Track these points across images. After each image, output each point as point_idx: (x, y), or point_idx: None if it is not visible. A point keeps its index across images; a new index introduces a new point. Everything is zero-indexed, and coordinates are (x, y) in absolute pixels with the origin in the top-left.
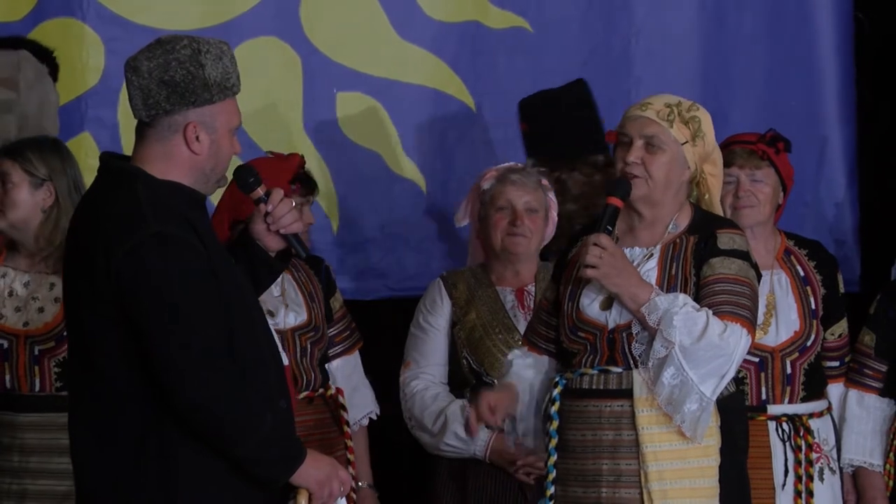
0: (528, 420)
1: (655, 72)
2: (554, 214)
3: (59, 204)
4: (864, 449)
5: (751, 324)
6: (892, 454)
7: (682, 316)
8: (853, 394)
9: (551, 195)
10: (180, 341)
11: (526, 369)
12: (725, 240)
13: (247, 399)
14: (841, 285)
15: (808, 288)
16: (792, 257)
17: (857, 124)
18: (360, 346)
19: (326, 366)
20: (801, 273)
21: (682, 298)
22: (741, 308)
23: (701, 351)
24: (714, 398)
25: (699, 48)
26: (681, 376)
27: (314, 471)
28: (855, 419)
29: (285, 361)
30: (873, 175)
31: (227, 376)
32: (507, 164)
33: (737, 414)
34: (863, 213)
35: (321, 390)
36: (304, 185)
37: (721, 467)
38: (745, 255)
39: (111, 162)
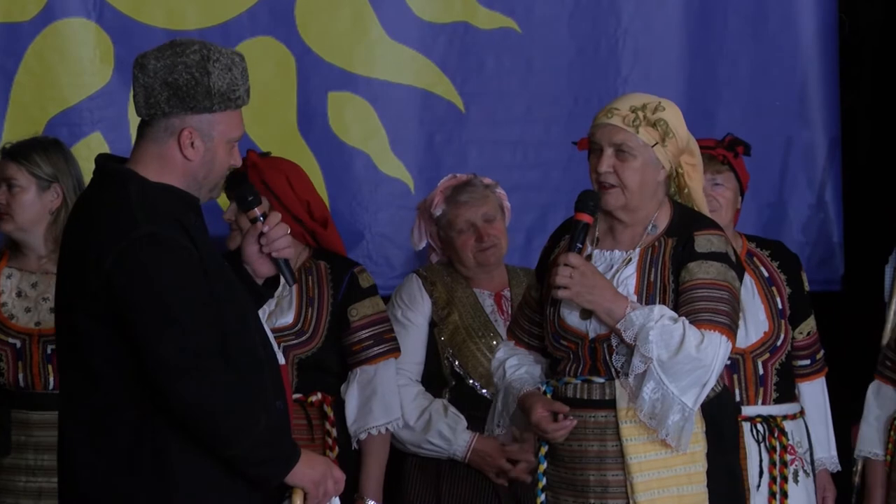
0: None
1: (642, 72)
2: (507, 204)
3: (66, 205)
4: (872, 440)
5: (730, 329)
6: (890, 445)
7: (658, 330)
8: (873, 384)
9: (499, 190)
10: (173, 342)
11: (520, 369)
12: (703, 242)
13: (240, 399)
14: (805, 283)
15: (774, 288)
16: (755, 259)
17: (842, 124)
18: (386, 358)
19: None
20: (766, 274)
21: (658, 311)
22: (719, 314)
23: (679, 364)
24: (696, 407)
25: (685, 48)
26: (661, 390)
27: (309, 470)
28: (869, 410)
29: (281, 361)
30: (857, 175)
31: (220, 376)
32: (448, 183)
33: (726, 412)
34: (847, 212)
35: (298, 396)
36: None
37: (711, 470)
38: (722, 257)
39: (105, 164)
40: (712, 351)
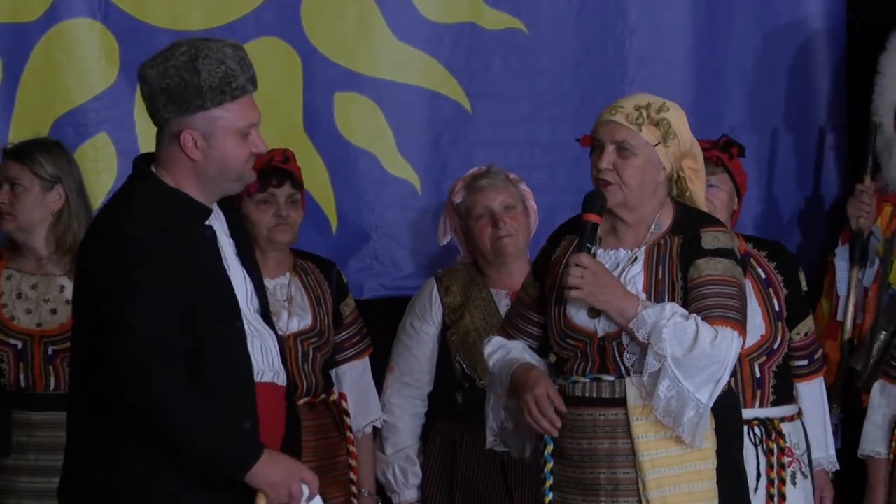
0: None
1: (649, 72)
2: (532, 204)
3: (69, 206)
4: (876, 438)
5: (741, 325)
6: (893, 442)
7: (671, 328)
8: (878, 384)
9: (523, 186)
10: (126, 344)
11: (513, 352)
12: (710, 239)
13: (190, 403)
14: (803, 284)
15: (771, 290)
16: (752, 260)
17: (849, 124)
18: (370, 352)
19: (335, 370)
20: (763, 276)
21: (670, 308)
22: (730, 310)
23: (694, 361)
24: (711, 404)
25: (692, 49)
26: (676, 387)
27: (269, 471)
28: (874, 409)
29: (283, 379)
30: (865, 175)
31: (169, 379)
32: (471, 172)
33: (731, 412)
34: None
35: (323, 396)
36: (263, 179)
37: (719, 467)
38: (730, 253)
39: (134, 163)
40: (726, 346)
